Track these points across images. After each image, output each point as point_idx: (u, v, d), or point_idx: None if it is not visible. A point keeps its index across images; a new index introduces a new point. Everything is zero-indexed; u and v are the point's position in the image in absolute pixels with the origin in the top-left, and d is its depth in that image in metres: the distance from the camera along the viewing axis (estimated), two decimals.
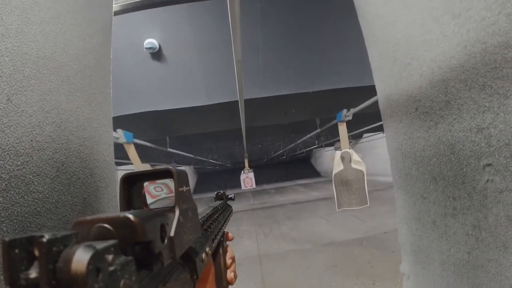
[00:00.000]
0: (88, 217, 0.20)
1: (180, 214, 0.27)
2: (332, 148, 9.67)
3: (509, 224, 0.83)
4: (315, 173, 12.64)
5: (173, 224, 0.25)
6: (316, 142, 8.66)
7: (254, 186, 8.89)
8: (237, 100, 3.35)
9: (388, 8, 1.42)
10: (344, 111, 4.11)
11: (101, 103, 1.55)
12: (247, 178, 8.76)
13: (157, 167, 0.29)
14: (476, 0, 0.85)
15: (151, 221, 0.21)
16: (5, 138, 0.83)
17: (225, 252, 0.56)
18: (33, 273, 0.15)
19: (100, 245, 0.16)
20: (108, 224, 0.20)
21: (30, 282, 0.15)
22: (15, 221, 0.82)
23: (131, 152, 2.84)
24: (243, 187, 8.86)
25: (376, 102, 4.07)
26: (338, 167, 4.16)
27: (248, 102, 3.33)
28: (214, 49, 3.03)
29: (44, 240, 0.15)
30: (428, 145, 1.21)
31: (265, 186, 11.01)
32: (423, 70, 1.20)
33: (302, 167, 13.60)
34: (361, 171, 4.09)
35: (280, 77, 3.45)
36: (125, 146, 2.80)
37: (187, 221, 0.28)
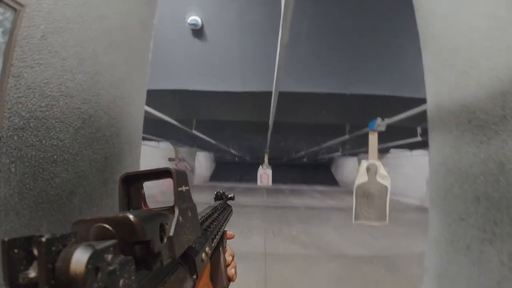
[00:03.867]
0: (88, 217, 0.20)
1: (179, 213, 0.27)
2: (355, 158, 9.40)
3: None
4: (334, 182, 12.33)
5: (173, 224, 0.25)
6: (340, 149, 8.43)
7: (270, 183, 8.82)
8: (271, 91, 3.28)
9: (451, 9, 1.29)
10: (378, 120, 3.93)
11: (139, 66, 1.54)
12: (265, 174, 8.69)
13: (157, 168, 0.29)
14: None
15: (151, 221, 0.22)
16: (32, 75, 0.81)
17: (225, 251, 0.56)
18: (32, 273, 0.15)
19: (99, 245, 0.16)
20: (107, 224, 0.20)
21: (29, 281, 0.15)
22: (27, 164, 0.81)
23: None
24: (259, 183, 8.81)
25: (411, 117, 3.84)
26: (362, 178, 4.00)
27: (281, 95, 3.25)
28: (257, 34, 2.96)
29: (43, 240, 0.15)
30: (477, 162, 1.08)
31: (281, 186, 10.89)
32: (482, 80, 1.07)
33: (321, 173, 13.32)
34: (385, 186, 3.91)
35: (318, 74, 3.34)
36: None
37: (186, 221, 0.28)
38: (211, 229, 0.43)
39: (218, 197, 0.61)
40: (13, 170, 0.73)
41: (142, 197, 0.31)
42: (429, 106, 1.49)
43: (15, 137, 0.74)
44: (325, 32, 2.93)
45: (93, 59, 1.07)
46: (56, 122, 0.89)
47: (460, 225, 1.15)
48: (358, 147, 7.16)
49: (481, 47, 1.09)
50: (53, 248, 0.15)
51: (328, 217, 6.29)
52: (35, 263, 0.15)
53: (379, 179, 3.97)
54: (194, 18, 2.76)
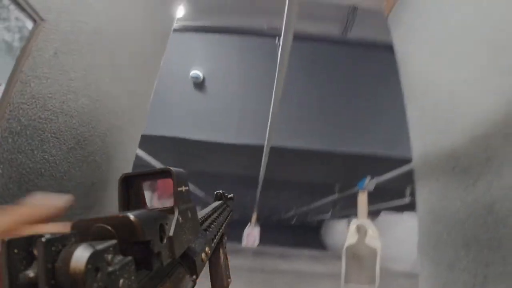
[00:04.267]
0: (87, 217, 0.20)
1: (179, 214, 0.27)
2: (345, 221, 9.21)
3: None
4: (323, 246, 11.84)
5: (172, 224, 0.25)
6: (330, 211, 8.28)
7: (256, 243, 8.35)
8: (263, 145, 3.37)
9: (432, 67, 1.45)
10: (368, 178, 3.99)
11: (140, 104, 1.61)
12: (251, 235, 8.28)
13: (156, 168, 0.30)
14: None
15: (151, 221, 0.22)
16: (38, 86, 0.85)
17: (225, 252, 0.55)
18: (32, 273, 0.15)
19: (99, 245, 0.16)
20: (107, 224, 0.20)
21: (29, 281, 0.15)
22: (15, 169, 0.79)
23: None
24: (244, 243, 8.30)
25: (400, 177, 3.92)
26: (352, 238, 3.88)
27: (273, 150, 3.34)
28: (254, 90, 3.18)
29: (43, 240, 0.15)
30: (463, 206, 1.09)
31: (268, 249, 10.36)
32: (465, 127, 1.15)
33: (310, 236, 12.83)
34: (374, 249, 3.78)
35: (310, 131, 3.49)
36: None
37: (186, 221, 0.29)
38: (211, 230, 0.43)
39: (217, 197, 0.60)
40: (0, 171, 0.71)
41: (142, 197, 0.31)
42: (415, 157, 1.56)
43: (9, 140, 0.74)
44: (318, 92, 3.17)
45: (98, 86, 1.13)
46: (51, 136, 0.90)
47: (451, 272, 1.11)
48: (349, 209, 7.08)
49: (462, 97, 1.19)
50: (53, 248, 0.15)
51: (317, 283, 5.88)
52: (35, 263, 0.15)
53: (368, 242, 3.86)
54: (196, 72, 2.97)
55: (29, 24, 0.72)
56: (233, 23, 2.64)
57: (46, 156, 0.91)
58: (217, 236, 0.45)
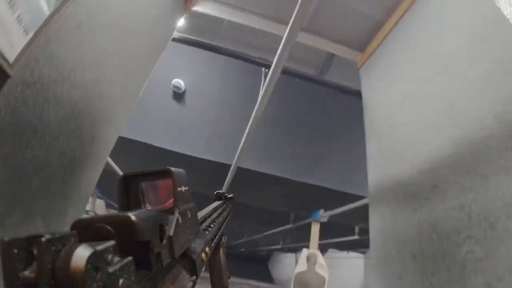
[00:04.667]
0: (87, 217, 0.21)
1: (179, 214, 0.27)
2: (293, 255, 9.32)
3: None
4: (269, 278, 11.69)
5: (172, 224, 0.26)
6: (281, 242, 8.38)
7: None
8: (229, 164, 3.47)
9: (393, 113, 1.73)
10: (322, 211, 4.21)
11: (129, 98, 1.66)
12: None
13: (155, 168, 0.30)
14: (468, 103, 1.10)
15: (150, 221, 0.22)
16: (57, 47, 0.89)
17: (224, 252, 0.57)
18: (32, 273, 0.15)
19: (99, 245, 0.16)
20: (107, 224, 0.20)
21: (29, 281, 0.15)
22: (14, 118, 0.80)
23: None
24: None
25: (351, 214, 4.21)
26: (302, 266, 3.99)
27: (238, 171, 3.44)
28: (230, 112, 3.32)
29: (43, 240, 0.15)
30: (411, 226, 1.30)
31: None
32: (415, 160, 1.40)
33: (258, 267, 12.61)
34: (323, 277, 3.91)
35: (276, 158, 3.68)
36: None
37: (186, 221, 0.29)
38: (211, 230, 0.43)
39: (217, 197, 0.62)
40: (1, 114, 0.74)
41: (141, 197, 0.31)
42: (370, 186, 1.78)
43: (18, 88, 0.77)
44: (290, 124, 3.42)
45: (102, 68, 1.17)
46: (53, 99, 0.91)
47: (399, 283, 1.28)
48: (299, 242, 7.24)
49: (416, 138, 1.44)
50: (53, 248, 0.15)
51: None
52: (34, 263, 0.15)
53: (318, 270, 3.99)
54: (178, 81, 3.06)
55: None
56: (225, 45, 2.83)
57: (43, 116, 0.93)
58: (217, 236, 0.46)
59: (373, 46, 1.96)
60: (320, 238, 4.66)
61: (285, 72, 2.52)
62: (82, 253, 0.15)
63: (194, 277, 0.31)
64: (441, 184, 1.18)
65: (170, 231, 0.25)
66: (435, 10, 1.39)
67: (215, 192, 0.62)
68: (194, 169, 4.12)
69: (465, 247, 0.97)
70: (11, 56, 0.72)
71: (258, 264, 13.21)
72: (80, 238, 0.17)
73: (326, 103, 3.48)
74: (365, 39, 2.02)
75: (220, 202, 0.59)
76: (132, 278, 0.18)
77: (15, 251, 0.15)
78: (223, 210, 0.57)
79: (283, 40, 1.48)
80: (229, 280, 0.58)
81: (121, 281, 0.17)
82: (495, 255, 0.88)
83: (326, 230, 5.17)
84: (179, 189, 0.29)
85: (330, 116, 3.55)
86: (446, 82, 1.24)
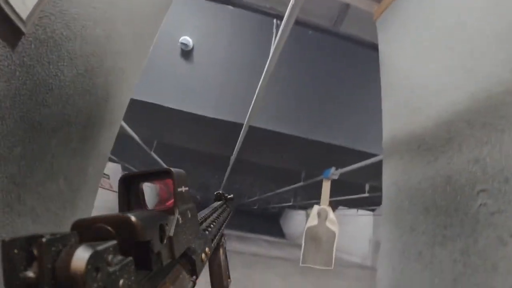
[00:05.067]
0: (88, 218, 0.20)
1: (179, 214, 0.27)
2: (304, 212, 9.67)
3: (500, 244, 0.87)
4: (281, 233, 12.31)
5: (172, 225, 0.26)
6: (292, 200, 8.65)
7: None
8: (240, 123, 3.45)
9: (409, 65, 1.64)
10: (333, 169, 4.25)
11: (140, 53, 1.62)
12: None
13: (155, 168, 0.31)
14: (485, 59, 1.04)
15: (150, 221, 0.22)
16: (67, 3, 0.86)
17: (225, 252, 0.57)
18: (32, 273, 0.15)
19: (100, 245, 0.16)
20: (107, 224, 0.20)
21: (29, 282, 0.15)
22: (30, 76, 0.80)
23: None
24: None
25: (362, 172, 4.22)
26: (312, 221, 4.14)
27: (250, 130, 3.43)
28: (240, 67, 3.23)
29: (44, 240, 0.15)
30: (425, 178, 1.29)
31: (227, 231, 10.61)
32: (431, 114, 1.35)
33: (269, 223, 13.25)
34: (333, 231, 4.07)
35: (289, 116, 3.64)
36: None
37: (186, 222, 0.29)
38: (211, 230, 0.43)
39: (217, 197, 0.61)
40: (17, 73, 0.74)
41: (141, 198, 0.31)
42: (384, 138, 1.75)
43: (32, 46, 0.76)
44: (303, 79, 3.30)
45: (112, 22, 1.14)
46: (67, 56, 0.91)
47: (411, 234, 1.30)
48: (309, 199, 7.45)
49: (432, 90, 1.38)
50: (53, 248, 0.15)
51: (273, 265, 6.18)
52: (35, 263, 0.15)
53: (328, 224, 4.13)
54: (186, 38, 2.95)
55: None
56: None
57: (58, 74, 0.92)
58: (217, 236, 0.46)
59: None
60: (331, 195, 4.77)
61: (298, 23, 2.37)
62: (82, 254, 0.15)
63: (194, 277, 0.31)
64: (457, 137, 1.14)
65: (170, 231, 0.25)
66: None
67: (215, 193, 0.62)
68: (205, 128, 4.14)
69: (478, 200, 0.96)
70: (23, 13, 0.71)
71: (270, 221, 13.83)
72: (80, 238, 0.17)
73: (339, 57, 3.32)
74: None
75: (220, 202, 0.59)
76: (132, 278, 0.18)
77: (15, 251, 0.15)
78: (223, 210, 0.57)
79: None
80: (229, 280, 0.58)
81: (121, 281, 0.17)
82: (509, 210, 0.88)
83: (337, 188, 5.27)
84: (179, 189, 0.29)
85: (343, 70, 3.41)
86: (463, 37, 1.18)
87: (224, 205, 0.60)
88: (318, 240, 4.01)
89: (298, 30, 2.95)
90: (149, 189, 0.34)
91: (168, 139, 5.04)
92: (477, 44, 1.11)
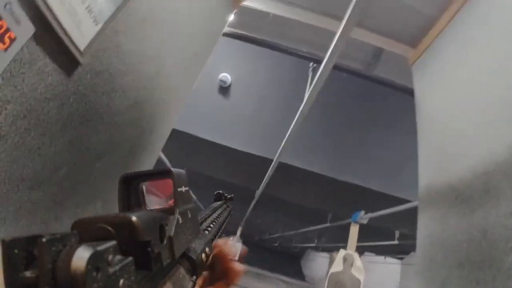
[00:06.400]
0: (88, 218, 0.21)
1: (179, 214, 0.27)
2: (327, 255, 9.17)
3: None
4: (300, 275, 11.65)
5: (172, 225, 0.26)
6: (316, 240, 8.28)
7: (236, 258, 8.20)
8: (269, 159, 3.51)
9: (446, 110, 1.63)
10: (362, 212, 4.10)
11: (184, 90, 1.77)
12: (233, 247, 8.15)
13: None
14: None
15: (151, 221, 0.22)
16: (124, 39, 0.98)
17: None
18: (32, 273, 0.15)
19: (100, 245, 0.16)
20: (107, 224, 0.20)
21: (30, 282, 0.15)
22: (83, 105, 0.88)
23: None
24: None
25: (392, 218, 4.03)
26: (337, 266, 3.93)
27: (279, 166, 3.47)
28: (273, 106, 3.37)
29: (44, 240, 0.15)
30: (460, 231, 1.23)
31: (246, 267, 10.22)
32: (469, 164, 1.32)
33: (289, 263, 12.63)
34: (358, 280, 3.81)
35: (319, 155, 3.65)
36: None
37: (186, 222, 0.29)
38: (211, 230, 0.43)
39: (217, 197, 0.62)
40: (71, 100, 0.82)
41: (142, 198, 0.31)
42: (420, 187, 1.70)
43: (88, 76, 0.85)
44: (334, 120, 3.36)
45: (163, 60, 1.28)
46: (119, 88, 1.02)
47: None
48: (334, 242, 7.10)
49: (469, 139, 1.36)
50: (54, 248, 0.15)
51: None
52: (35, 263, 0.15)
53: (354, 272, 3.90)
54: (225, 75, 3.17)
55: None
56: (270, 40, 2.86)
57: (110, 104, 1.01)
58: (217, 237, 0.46)
59: (427, 42, 1.86)
60: (358, 240, 4.54)
61: (336, 67, 2.47)
62: (82, 254, 0.15)
63: (194, 277, 0.31)
64: (494, 190, 1.11)
65: (170, 231, 0.25)
66: (491, 7, 1.30)
67: (215, 192, 0.62)
68: (234, 161, 4.24)
69: (511, 255, 0.91)
70: (81, 44, 0.77)
71: (291, 261, 13.20)
72: (80, 239, 0.17)
73: (372, 100, 3.35)
74: (418, 34, 1.93)
75: (220, 202, 0.59)
76: (132, 278, 0.18)
77: (16, 251, 0.15)
78: (223, 210, 0.57)
79: (337, 35, 1.47)
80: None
81: (121, 281, 0.17)
82: None
83: (364, 232, 5.01)
84: (179, 189, 0.29)
85: (376, 113, 3.42)
86: (502, 84, 1.17)
87: (224, 205, 0.60)
88: (342, 287, 3.77)
89: (332, 72, 3.06)
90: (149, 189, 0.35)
91: (198, 167, 5.19)
92: None
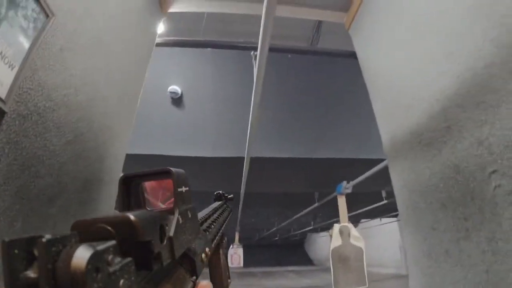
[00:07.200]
0: (88, 218, 0.21)
1: (179, 214, 0.27)
2: (327, 233, 9.34)
3: None
4: (308, 261, 11.75)
5: (172, 225, 0.26)
6: (312, 223, 8.38)
7: (241, 264, 8.17)
8: (241, 157, 3.45)
9: (390, 63, 1.65)
10: (344, 183, 4.16)
11: (127, 110, 1.66)
12: (235, 255, 8.12)
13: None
14: (463, 37, 1.04)
15: (150, 221, 0.22)
16: (45, 75, 0.90)
17: (225, 253, 0.57)
18: (32, 273, 0.15)
19: (100, 245, 0.16)
20: (107, 224, 0.20)
21: (30, 282, 0.15)
22: (19, 151, 0.81)
23: None
24: (230, 264, 8.09)
25: (375, 179, 4.14)
26: (336, 241, 3.97)
27: (252, 161, 3.42)
28: (230, 103, 3.30)
29: (44, 240, 0.15)
30: (433, 173, 1.24)
31: (252, 269, 10.12)
32: (423, 107, 1.33)
33: (294, 252, 12.71)
34: (360, 248, 3.89)
35: (287, 140, 3.64)
36: None
37: (186, 222, 0.29)
38: (211, 230, 0.43)
39: (217, 197, 0.61)
40: (6, 151, 0.75)
41: (142, 198, 0.31)
42: (384, 142, 1.72)
43: (17, 122, 0.78)
44: (292, 102, 3.35)
45: (94, 86, 1.18)
46: (53, 126, 0.94)
47: (434, 235, 1.23)
48: (329, 219, 7.22)
49: (418, 82, 1.38)
50: (54, 249, 0.15)
51: None
52: (35, 264, 0.15)
53: (353, 242, 3.97)
54: (174, 88, 3.05)
55: (42, 17, 0.78)
56: (209, 39, 2.79)
57: (47, 145, 0.94)
58: (217, 237, 0.46)
59: (357, 3, 1.88)
60: (349, 210, 4.62)
61: (276, 49, 2.45)
62: (82, 254, 0.15)
63: (194, 277, 0.30)
64: (455, 124, 1.12)
65: (170, 231, 0.25)
66: None
67: (215, 193, 0.62)
68: (209, 169, 4.13)
69: (492, 182, 0.92)
70: (1, 93, 0.73)
71: (294, 249, 13.32)
72: (80, 239, 0.17)
73: (323, 72, 3.39)
74: None
75: (220, 202, 0.59)
76: (132, 278, 0.18)
77: (16, 251, 0.15)
78: (223, 210, 0.57)
79: (263, 17, 1.43)
80: (229, 281, 0.58)
81: (121, 281, 0.17)
82: None
83: (354, 202, 5.11)
84: (179, 189, 0.29)
85: (330, 84, 3.47)
86: (437, 23, 1.18)
87: (225, 205, 0.60)
88: (346, 260, 3.82)
89: (277, 56, 3.04)
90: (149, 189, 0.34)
91: None
92: (451, 25, 1.11)
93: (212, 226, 0.45)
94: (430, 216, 1.26)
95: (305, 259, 12.15)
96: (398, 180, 1.56)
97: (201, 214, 0.44)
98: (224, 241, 0.57)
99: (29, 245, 0.15)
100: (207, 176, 4.49)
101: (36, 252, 0.15)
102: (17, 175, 0.82)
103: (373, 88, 1.88)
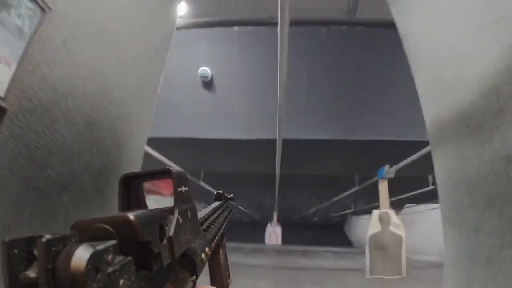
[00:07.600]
0: (88, 218, 0.21)
1: (179, 214, 0.28)
2: (369, 216, 9.03)
3: None
4: (347, 242, 11.58)
5: (172, 225, 0.26)
6: (353, 206, 8.11)
7: (279, 242, 8.29)
8: (272, 139, 3.36)
9: (432, 32, 1.40)
10: (386, 167, 3.89)
11: (147, 96, 1.65)
12: (273, 233, 8.25)
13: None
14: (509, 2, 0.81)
15: (150, 221, 0.22)
16: (48, 69, 0.89)
17: (224, 252, 0.56)
18: (32, 273, 0.15)
19: (100, 245, 0.16)
20: (107, 224, 0.20)
21: (30, 282, 0.15)
22: (25, 144, 0.82)
23: None
24: (267, 241, 8.29)
25: (420, 164, 3.79)
26: (375, 228, 3.78)
27: (286, 143, 3.31)
28: (261, 86, 3.19)
29: (44, 240, 0.15)
30: (482, 164, 1.04)
31: (291, 247, 10.28)
32: (472, 82, 1.10)
33: (333, 233, 12.58)
34: (399, 236, 3.65)
35: (323, 121, 3.45)
36: None
37: (186, 222, 0.29)
38: (211, 230, 0.43)
39: (217, 197, 0.61)
40: (10, 144, 0.75)
41: (142, 198, 0.32)
42: (428, 124, 1.50)
43: (20, 117, 0.78)
44: (327, 83, 3.12)
45: (106, 76, 1.17)
46: (61, 117, 0.94)
47: (477, 236, 1.05)
48: (370, 202, 6.91)
49: (464, 53, 1.15)
50: (53, 249, 0.15)
51: (343, 278, 5.75)
52: (35, 263, 0.15)
53: (392, 229, 3.74)
54: (204, 69, 3.02)
55: (38, 13, 0.78)
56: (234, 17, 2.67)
57: (56, 136, 0.95)
58: (217, 237, 0.45)
59: None
60: (392, 195, 4.34)
61: (311, 23, 2.25)
62: (82, 253, 0.15)
63: (194, 277, 0.30)
64: (508, 105, 0.90)
65: (170, 231, 0.25)
66: None
67: (215, 192, 0.62)
68: (243, 151, 4.13)
69: None
70: (0, 91, 0.74)
71: (334, 230, 13.11)
72: (80, 239, 0.17)
73: (362, 46, 3.06)
74: None
75: (220, 202, 0.58)
76: (132, 278, 0.18)
77: (16, 251, 0.15)
78: (224, 210, 0.57)
79: None
80: (229, 280, 0.57)
81: (121, 281, 0.17)
82: None
83: (398, 186, 4.77)
84: (179, 189, 0.29)
85: (370, 59, 3.13)
86: None
87: (225, 205, 0.60)
88: (384, 247, 3.62)
89: (312, 31, 2.82)
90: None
91: (213, 167, 5.14)
92: None
93: (212, 226, 0.45)
94: (474, 215, 1.07)
95: (344, 241, 11.95)
96: (441, 170, 1.36)
97: (201, 214, 0.44)
98: (224, 241, 0.57)
99: (29, 245, 0.15)
100: (243, 157, 4.50)
101: (36, 252, 0.15)
102: (24, 166, 0.83)
103: (414, 61, 1.64)
